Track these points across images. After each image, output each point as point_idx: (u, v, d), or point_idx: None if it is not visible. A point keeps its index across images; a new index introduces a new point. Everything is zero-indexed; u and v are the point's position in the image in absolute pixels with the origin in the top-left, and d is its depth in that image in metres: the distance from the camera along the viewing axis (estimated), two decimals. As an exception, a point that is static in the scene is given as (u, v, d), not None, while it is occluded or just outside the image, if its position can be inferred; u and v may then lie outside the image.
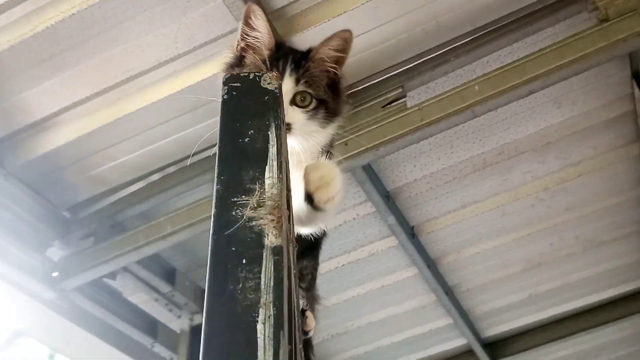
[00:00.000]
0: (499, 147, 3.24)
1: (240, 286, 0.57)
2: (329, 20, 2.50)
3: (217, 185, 0.64)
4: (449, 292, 4.28)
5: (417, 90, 2.76)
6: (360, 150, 2.68)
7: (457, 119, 2.51)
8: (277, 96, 0.72)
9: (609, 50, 2.38)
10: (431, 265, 4.01)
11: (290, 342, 0.53)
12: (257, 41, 1.21)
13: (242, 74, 0.74)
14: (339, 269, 4.09)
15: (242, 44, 1.25)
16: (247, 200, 0.63)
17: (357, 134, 2.73)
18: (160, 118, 2.84)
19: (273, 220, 0.61)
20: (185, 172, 3.13)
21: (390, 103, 2.73)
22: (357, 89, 2.84)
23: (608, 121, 3.21)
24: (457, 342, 4.95)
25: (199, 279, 3.81)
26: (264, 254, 0.59)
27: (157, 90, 2.77)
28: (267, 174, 0.65)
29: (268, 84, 0.74)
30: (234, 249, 0.59)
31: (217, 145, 0.68)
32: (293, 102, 1.15)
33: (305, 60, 1.21)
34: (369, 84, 2.84)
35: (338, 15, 2.48)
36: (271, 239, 0.60)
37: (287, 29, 2.51)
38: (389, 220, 3.53)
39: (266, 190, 0.64)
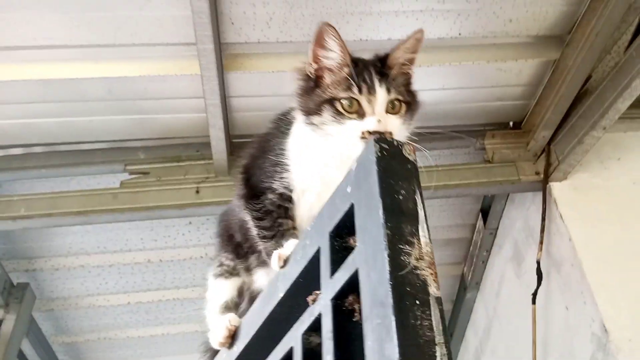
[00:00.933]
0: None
1: (419, 323, 0.67)
2: (269, 71, 2.62)
3: (386, 230, 0.74)
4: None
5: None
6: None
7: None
8: (417, 167, 0.85)
9: (487, 187, 2.83)
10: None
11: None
12: (333, 60, 1.20)
13: (389, 139, 0.85)
14: (162, 302, 3.99)
15: (316, 66, 1.23)
16: (410, 250, 0.74)
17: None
18: (53, 96, 2.65)
19: (432, 274, 0.73)
20: (52, 157, 2.93)
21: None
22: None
23: (448, 240, 3.69)
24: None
25: (9, 269, 3.49)
26: (431, 301, 0.70)
27: (63, 69, 2.59)
28: (421, 232, 0.77)
29: (408, 154, 0.86)
30: (408, 289, 0.69)
31: (380, 194, 0.78)
32: (387, 110, 1.16)
33: (385, 68, 1.21)
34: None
35: (274, 72, 2.61)
36: (433, 290, 0.71)
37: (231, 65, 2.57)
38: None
39: (422, 246, 0.75)
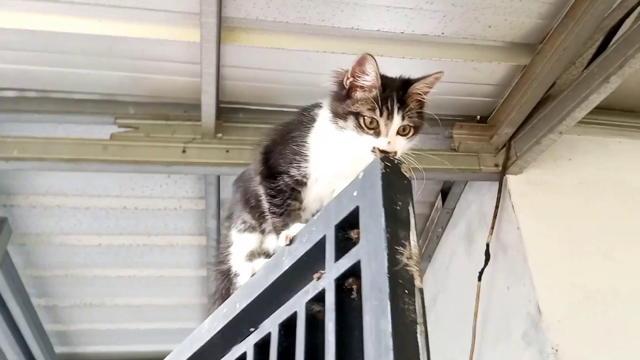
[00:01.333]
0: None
1: (406, 307, 0.91)
2: (263, 47, 2.79)
3: (386, 234, 0.98)
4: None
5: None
6: (239, 161, 2.97)
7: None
8: (411, 183, 1.09)
9: (450, 173, 3.11)
10: (219, 273, 4.33)
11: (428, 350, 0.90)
12: (366, 82, 1.38)
13: (391, 158, 1.09)
14: (132, 246, 4.17)
15: (351, 80, 1.41)
16: (403, 251, 0.98)
17: (242, 147, 3.03)
18: (54, 47, 2.75)
19: (417, 270, 0.97)
20: (45, 103, 3.05)
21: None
22: (251, 108, 3.16)
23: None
24: (197, 345, 5.29)
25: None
26: (416, 291, 0.94)
27: (67, 23, 2.69)
28: (411, 237, 1.01)
29: (405, 171, 1.10)
30: (400, 281, 0.94)
31: (382, 204, 1.01)
32: (398, 132, 1.37)
33: (405, 96, 1.39)
34: (264, 108, 3.16)
35: (267, 48, 2.78)
36: (418, 283, 0.95)
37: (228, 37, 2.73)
38: (209, 224, 3.79)
39: (412, 248, 0.99)
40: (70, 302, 4.68)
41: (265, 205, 1.49)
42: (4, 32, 2.64)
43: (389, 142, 1.34)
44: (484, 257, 3.02)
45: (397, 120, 1.36)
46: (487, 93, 3.06)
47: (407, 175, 1.10)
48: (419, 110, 1.42)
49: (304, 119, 1.52)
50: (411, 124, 1.39)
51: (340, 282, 1.08)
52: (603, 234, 2.81)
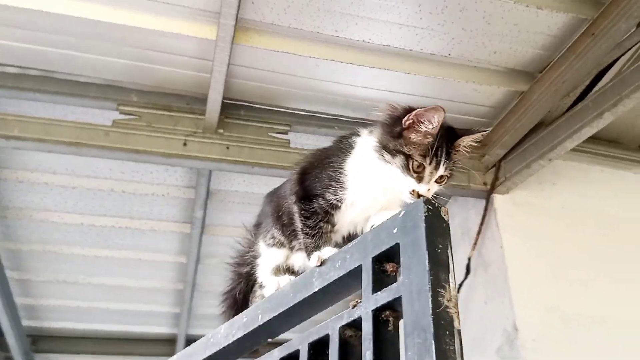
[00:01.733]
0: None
1: (447, 347, 1.00)
2: (274, 50, 2.84)
3: (430, 276, 1.07)
4: (194, 289, 4.68)
5: (301, 136, 3.24)
6: (238, 159, 3.02)
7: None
8: (449, 226, 1.18)
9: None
10: (200, 262, 4.38)
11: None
12: (426, 129, 1.39)
13: (435, 205, 1.17)
14: (114, 228, 4.18)
15: (411, 123, 1.40)
16: (443, 293, 1.07)
17: (242, 145, 3.08)
18: (66, 30, 2.74)
19: (456, 312, 1.06)
20: (47, 82, 3.04)
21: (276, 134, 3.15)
22: (254, 106, 3.21)
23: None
24: (167, 329, 5.34)
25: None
26: (455, 333, 1.03)
27: (82, 7, 2.67)
28: (451, 280, 1.10)
29: (444, 215, 1.18)
30: (442, 323, 1.02)
31: (426, 247, 1.10)
32: (436, 180, 1.41)
33: (452, 147, 1.42)
34: (266, 107, 3.21)
35: (278, 51, 2.84)
36: (457, 324, 1.04)
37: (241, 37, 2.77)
38: (197, 213, 3.83)
39: (451, 291, 1.08)
40: (44, 277, 4.67)
41: (298, 225, 1.55)
42: (12, 10, 2.61)
43: (428, 190, 1.39)
44: (464, 270, 3.15)
45: (441, 171, 1.41)
46: (483, 114, 3.18)
47: (446, 219, 1.18)
48: (459, 162, 1.47)
49: (341, 145, 1.56)
50: (449, 175, 1.43)
51: (376, 313, 1.16)
52: (583, 260, 2.96)
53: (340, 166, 1.51)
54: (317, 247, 1.46)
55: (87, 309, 5.06)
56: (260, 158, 3.06)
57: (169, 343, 5.43)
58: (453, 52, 2.81)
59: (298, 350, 1.31)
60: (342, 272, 1.29)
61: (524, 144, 3.05)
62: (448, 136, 1.42)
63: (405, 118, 1.41)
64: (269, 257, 1.66)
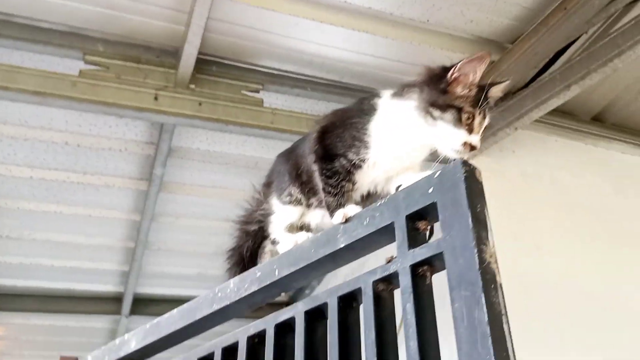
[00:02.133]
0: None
1: (494, 300, 1.07)
2: (254, 5, 2.79)
3: (474, 233, 1.12)
4: (145, 248, 4.61)
5: (274, 95, 3.22)
6: (212, 116, 2.97)
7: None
8: (483, 188, 1.23)
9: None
10: (154, 220, 4.31)
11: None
12: (471, 80, 1.41)
13: (471, 166, 1.22)
14: (65, 183, 4.03)
15: (457, 76, 1.41)
16: (486, 249, 1.12)
17: (215, 102, 3.03)
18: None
19: (497, 267, 1.12)
20: (8, 27, 2.86)
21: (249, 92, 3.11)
22: (226, 63, 3.15)
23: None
24: (114, 287, 5.25)
25: None
26: (499, 287, 1.10)
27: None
28: (489, 238, 1.16)
29: (479, 176, 1.24)
30: (488, 277, 1.09)
31: (468, 206, 1.15)
32: None
33: (487, 97, 1.44)
34: (239, 65, 3.16)
35: (259, 7, 2.79)
36: (499, 279, 1.11)
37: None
38: (157, 170, 3.75)
39: (491, 247, 1.14)
40: (-14, 231, 4.46)
41: (319, 184, 1.56)
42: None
43: (479, 140, 1.42)
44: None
45: (487, 120, 1.46)
46: (453, 81, 3.26)
47: (480, 180, 1.24)
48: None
49: (363, 107, 1.57)
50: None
51: (414, 268, 1.21)
52: (538, 224, 3.14)
53: (364, 127, 1.53)
54: (340, 205, 1.49)
55: (29, 265, 4.88)
56: (235, 116, 3.02)
57: (114, 301, 5.34)
58: (432, 18, 2.86)
59: (325, 304, 1.35)
60: (372, 229, 1.33)
61: (491, 111, 3.15)
62: (484, 87, 1.45)
63: (451, 72, 1.42)
64: (284, 214, 1.68)
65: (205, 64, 3.09)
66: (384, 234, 1.32)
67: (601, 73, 2.66)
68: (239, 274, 1.68)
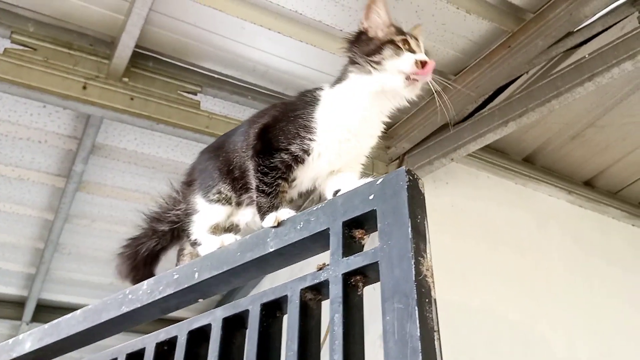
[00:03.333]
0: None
1: (428, 315, 0.99)
2: (200, 3, 2.69)
3: (412, 244, 1.06)
4: (56, 250, 4.32)
5: (212, 100, 3.10)
6: (143, 112, 2.82)
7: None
8: (425, 200, 1.17)
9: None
10: (68, 220, 4.05)
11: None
12: (382, 19, 1.49)
13: (414, 176, 1.16)
14: (-26, 173, 3.74)
15: (367, 24, 1.49)
16: (423, 262, 1.06)
17: (148, 98, 2.88)
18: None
19: (432, 282, 1.06)
20: None
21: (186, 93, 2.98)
22: (165, 60, 3.02)
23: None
24: (16, 290, 4.88)
25: None
26: (433, 301, 1.03)
27: None
28: (427, 250, 1.09)
29: (422, 187, 1.18)
30: (423, 290, 1.01)
31: (408, 215, 1.09)
32: None
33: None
34: (178, 64, 3.03)
35: (206, 6, 2.69)
36: (433, 294, 1.04)
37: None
38: (77, 167, 3.53)
39: (428, 261, 1.08)
40: None
41: (253, 182, 1.47)
42: None
43: (426, 56, 1.44)
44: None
45: (421, 42, 1.51)
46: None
47: (423, 191, 1.18)
48: None
49: (306, 99, 1.52)
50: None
51: (346, 277, 1.13)
52: (463, 255, 3.15)
53: (310, 116, 1.48)
54: (272, 207, 1.40)
55: None
56: (168, 115, 2.88)
57: (16, 305, 4.97)
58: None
59: (247, 311, 1.24)
60: (305, 234, 1.25)
61: (429, 141, 3.17)
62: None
63: (361, 26, 1.51)
64: (210, 213, 1.57)
65: (142, 58, 2.94)
66: (318, 240, 1.24)
67: (538, 112, 2.72)
68: (126, 268, 1.57)
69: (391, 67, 1.42)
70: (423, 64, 1.42)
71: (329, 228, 1.21)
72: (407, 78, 1.43)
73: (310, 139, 1.46)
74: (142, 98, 2.86)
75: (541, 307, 3.22)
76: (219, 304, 4.43)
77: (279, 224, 1.30)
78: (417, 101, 3.14)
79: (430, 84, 1.48)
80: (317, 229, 1.23)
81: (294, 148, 1.46)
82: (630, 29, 2.52)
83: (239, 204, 1.58)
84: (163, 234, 1.69)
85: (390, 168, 3.32)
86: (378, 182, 1.18)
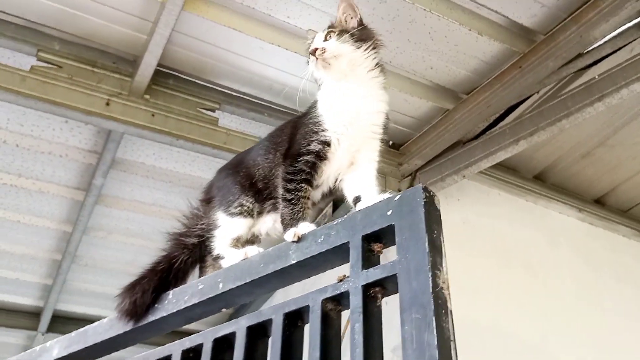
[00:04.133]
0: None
1: (445, 325, 1.05)
2: (222, 24, 2.78)
3: (429, 257, 1.12)
4: (73, 262, 4.39)
5: (229, 117, 3.19)
6: (164, 129, 2.91)
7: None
8: (440, 216, 1.24)
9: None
10: (86, 233, 4.12)
11: (456, 363, 1.05)
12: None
13: (430, 192, 1.23)
14: (-5, 184, 3.83)
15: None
16: (439, 274, 1.12)
17: (168, 115, 2.97)
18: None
19: (448, 294, 1.12)
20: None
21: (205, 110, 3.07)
22: (184, 77, 3.11)
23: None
24: (32, 301, 4.96)
25: None
26: (449, 312, 1.09)
27: None
28: (443, 264, 1.15)
29: (437, 203, 1.25)
30: (439, 301, 1.08)
31: (425, 230, 1.15)
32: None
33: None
34: (197, 81, 3.12)
35: (226, 27, 2.78)
36: (449, 305, 1.10)
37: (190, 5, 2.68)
38: (96, 181, 3.62)
39: (444, 274, 1.14)
40: None
41: (280, 190, 1.56)
42: None
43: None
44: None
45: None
46: (408, 124, 3.33)
47: (438, 207, 1.25)
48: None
49: (309, 108, 1.68)
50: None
51: (365, 288, 1.19)
52: (475, 271, 3.19)
53: (315, 114, 1.60)
54: (294, 220, 1.47)
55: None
56: (187, 132, 2.97)
57: (32, 316, 5.04)
58: (394, 60, 2.92)
59: (270, 320, 1.30)
60: (326, 247, 1.31)
61: (441, 158, 3.23)
62: None
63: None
64: (231, 227, 1.64)
65: (163, 76, 3.04)
66: (338, 253, 1.30)
67: (549, 131, 2.78)
68: (157, 282, 1.62)
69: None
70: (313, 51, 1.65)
71: (349, 242, 1.27)
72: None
73: (323, 130, 1.56)
74: (163, 114, 2.95)
75: (551, 324, 3.24)
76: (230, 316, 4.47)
77: (299, 239, 1.37)
78: (429, 119, 3.25)
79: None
80: (337, 242, 1.29)
81: (313, 146, 1.55)
82: (639, 51, 2.58)
83: (260, 213, 1.65)
84: (193, 247, 1.74)
85: (402, 184, 3.38)
86: (396, 199, 1.25)
